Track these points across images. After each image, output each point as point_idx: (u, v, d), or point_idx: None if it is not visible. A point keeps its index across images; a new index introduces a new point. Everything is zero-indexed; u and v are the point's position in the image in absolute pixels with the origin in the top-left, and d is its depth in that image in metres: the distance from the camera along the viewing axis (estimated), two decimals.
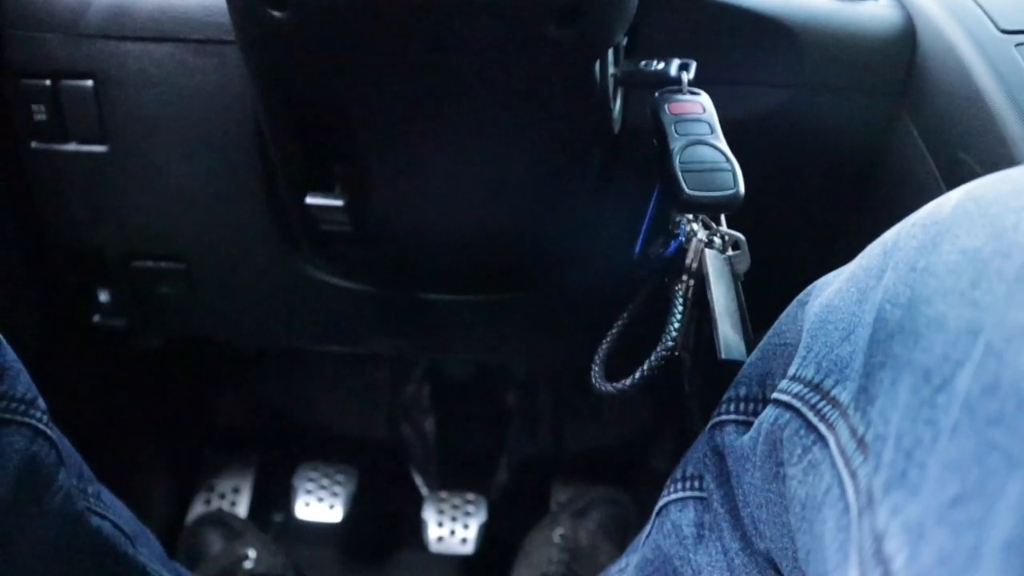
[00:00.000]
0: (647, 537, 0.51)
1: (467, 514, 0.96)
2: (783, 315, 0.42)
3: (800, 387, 0.35)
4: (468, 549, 0.93)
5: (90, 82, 0.59)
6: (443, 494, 0.98)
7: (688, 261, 0.44)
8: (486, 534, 0.95)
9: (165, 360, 0.97)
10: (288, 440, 1.05)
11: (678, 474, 0.49)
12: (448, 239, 0.62)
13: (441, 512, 0.96)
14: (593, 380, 0.46)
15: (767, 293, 0.45)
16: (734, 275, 0.43)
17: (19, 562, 0.45)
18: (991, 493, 0.22)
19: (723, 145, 0.46)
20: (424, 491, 1.01)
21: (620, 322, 0.50)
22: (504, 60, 0.42)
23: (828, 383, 0.33)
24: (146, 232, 0.66)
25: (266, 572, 0.85)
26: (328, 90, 0.47)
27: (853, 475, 0.28)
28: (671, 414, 1.03)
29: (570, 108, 0.48)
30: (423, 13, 0.38)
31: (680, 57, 0.51)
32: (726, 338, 0.40)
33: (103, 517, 0.52)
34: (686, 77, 0.50)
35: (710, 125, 0.47)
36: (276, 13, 0.38)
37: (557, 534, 0.88)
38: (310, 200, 0.53)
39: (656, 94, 0.49)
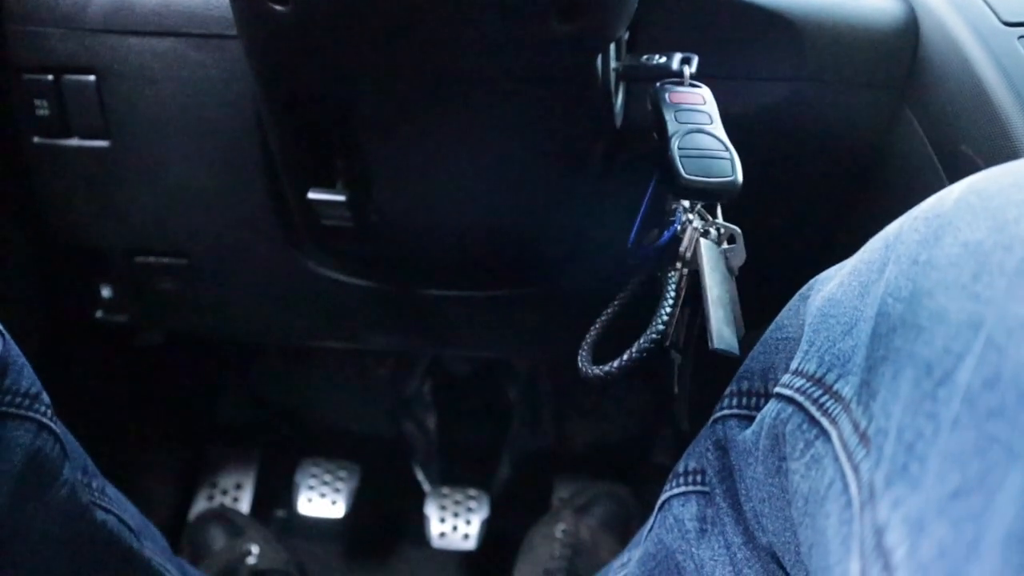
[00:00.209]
0: (649, 532, 0.51)
1: (469, 510, 0.96)
2: (785, 309, 0.42)
3: (802, 381, 0.35)
4: (470, 545, 0.94)
5: (92, 77, 0.59)
6: (445, 490, 0.98)
7: (682, 249, 0.44)
8: (488, 530, 0.95)
9: (168, 356, 0.98)
10: (290, 436, 1.05)
11: (680, 468, 0.49)
12: (450, 235, 0.62)
13: (443, 508, 0.96)
14: (580, 364, 0.46)
15: (769, 287, 0.45)
16: (729, 269, 0.43)
17: (25, 556, 0.45)
18: (991, 486, 0.22)
19: (722, 134, 0.46)
20: (426, 487, 1.01)
21: (610, 309, 0.50)
22: (506, 55, 0.42)
23: (830, 377, 0.33)
24: (148, 228, 0.66)
25: (269, 568, 0.85)
26: (330, 85, 0.47)
27: (855, 469, 0.28)
28: (671, 409, 1.03)
29: (572, 103, 0.48)
30: (425, 8, 0.38)
31: (682, 51, 0.51)
32: (718, 328, 0.39)
33: (108, 511, 0.52)
34: (688, 71, 0.50)
35: (710, 115, 0.47)
36: (278, 8, 0.38)
37: (559, 529, 0.88)
38: (312, 196, 0.53)
39: (657, 84, 0.49)
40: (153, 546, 0.59)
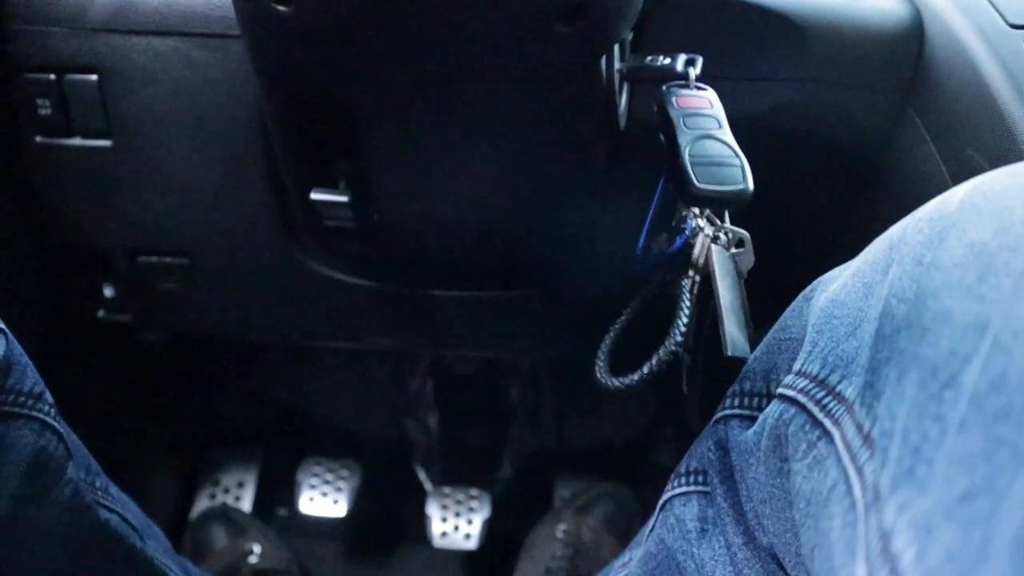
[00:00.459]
0: (650, 532, 0.51)
1: (471, 509, 0.96)
2: (788, 310, 0.42)
3: (805, 382, 0.35)
4: (472, 544, 0.94)
5: (95, 76, 0.59)
6: (447, 489, 0.98)
7: (695, 257, 0.44)
8: (490, 529, 0.95)
9: (170, 355, 0.98)
10: (292, 435, 1.05)
11: (682, 469, 0.49)
12: (453, 235, 0.62)
13: (445, 507, 0.96)
14: (598, 375, 0.46)
15: (773, 288, 0.45)
16: (738, 273, 0.43)
17: (29, 555, 0.45)
18: (999, 489, 0.22)
19: (731, 140, 0.46)
20: (428, 486, 1.01)
21: (623, 318, 0.50)
22: (510, 56, 0.42)
23: (834, 378, 0.33)
24: (151, 227, 0.66)
25: (270, 567, 0.85)
26: (333, 85, 0.47)
27: (859, 471, 0.28)
28: (674, 409, 1.03)
29: (576, 104, 0.48)
30: (428, 9, 0.38)
31: (686, 52, 0.51)
32: (732, 335, 0.39)
33: (111, 510, 0.52)
34: (692, 72, 0.49)
35: (718, 120, 0.47)
36: (281, 8, 0.38)
37: (560, 529, 0.88)
38: (314, 196, 0.53)
39: (663, 88, 0.49)
40: (156, 545, 0.59)
